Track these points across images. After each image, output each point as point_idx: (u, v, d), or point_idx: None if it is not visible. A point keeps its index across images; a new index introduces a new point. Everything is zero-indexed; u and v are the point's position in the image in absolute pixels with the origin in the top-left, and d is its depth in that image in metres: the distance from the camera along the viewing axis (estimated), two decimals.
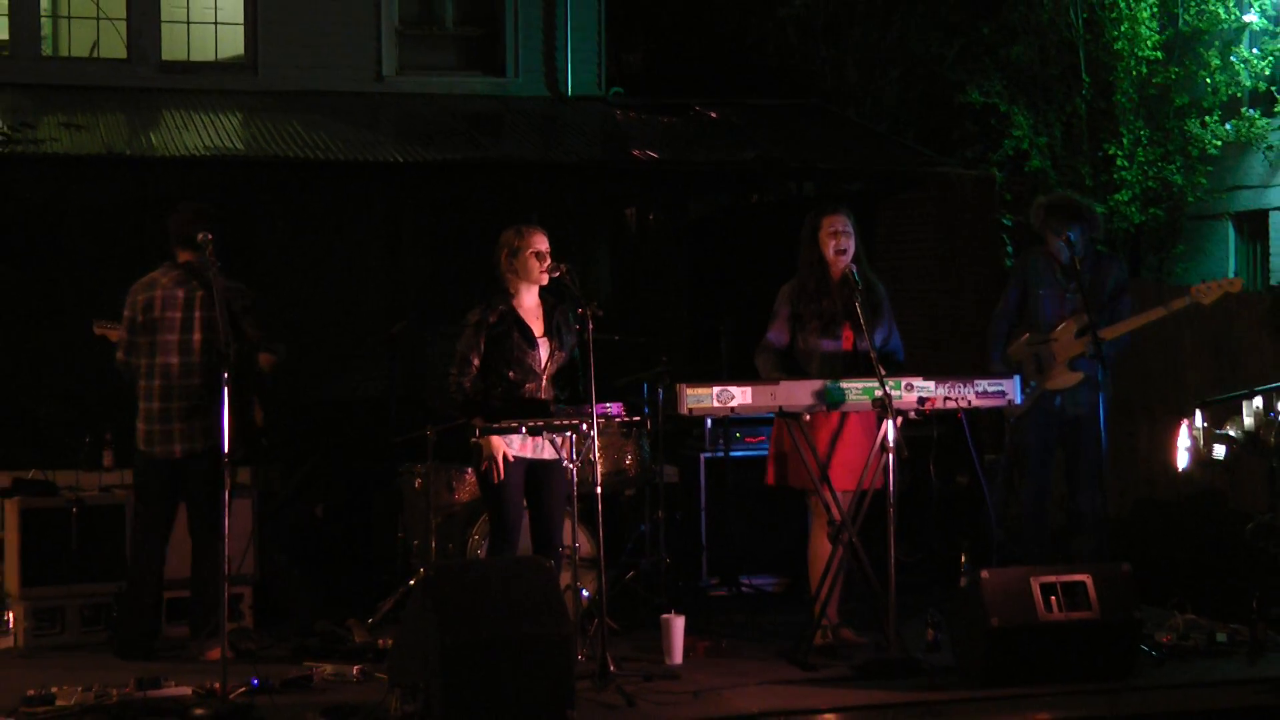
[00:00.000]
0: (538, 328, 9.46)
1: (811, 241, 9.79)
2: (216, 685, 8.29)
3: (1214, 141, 17.85)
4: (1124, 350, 10.46)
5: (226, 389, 8.51)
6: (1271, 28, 18.04)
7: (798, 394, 9.24)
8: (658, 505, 11.16)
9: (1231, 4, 17.90)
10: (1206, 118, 17.89)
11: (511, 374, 9.35)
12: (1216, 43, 18.06)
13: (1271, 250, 18.98)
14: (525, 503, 9.49)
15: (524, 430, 9.18)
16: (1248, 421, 10.35)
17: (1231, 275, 18.22)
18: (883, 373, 9.17)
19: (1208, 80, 17.90)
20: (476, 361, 9.35)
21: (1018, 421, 10.38)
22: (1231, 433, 10.43)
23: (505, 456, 9.25)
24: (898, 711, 8.35)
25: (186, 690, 8.47)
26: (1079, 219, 10.22)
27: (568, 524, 9.52)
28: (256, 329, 9.79)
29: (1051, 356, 10.28)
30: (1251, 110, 18.07)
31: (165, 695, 8.40)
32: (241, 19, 17.48)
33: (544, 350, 9.45)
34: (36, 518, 10.20)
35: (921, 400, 9.30)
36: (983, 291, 14.17)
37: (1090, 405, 9.95)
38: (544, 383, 9.44)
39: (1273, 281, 18.56)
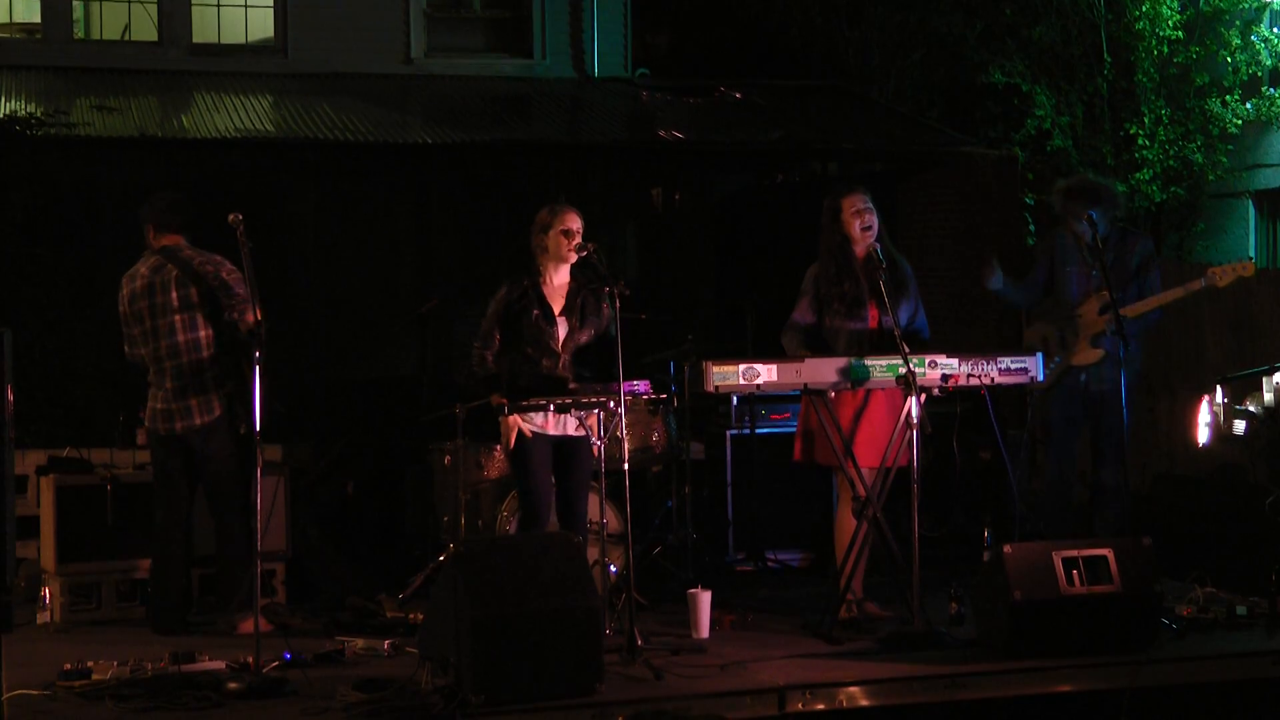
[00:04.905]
0: (558, 305, 9.45)
1: (833, 225, 9.78)
2: (250, 659, 8.35)
3: (1234, 120, 17.86)
4: (1151, 327, 10.51)
5: (258, 366, 8.58)
6: None
7: (823, 371, 9.24)
8: (684, 481, 11.20)
9: None
10: (1227, 97, 17.89)
11: (529, 350, 9.34)
12: (1237, 22, 18.05)
13: None
14: (553, 479, 9.57)
15: (552, 408, 9.22)
16: (1268, 397, 10.45)
17: (1252, 253, 18.32)
18: (907, 350, 9.15)
19: (1228, 60, 17.90)
20: (498, 335, 9.38)
21: (1041, 397, 10.45)
22: (1251, 408, 10.52)
23: (523, 432, 9.28)
24: (921, 683, 8.35)
25: (220, 664, 8.50)
26: (1098, 201, 10.27)
27: (594, 500, 9.60)
28: (231, 300, 9.70)
29: (1075, 333, 10.35)
30: (1272, 89, 18.05)
31: (199, 669, 8.43)
32: (271, 2, 17.57)
33: (562, 328, 9.42)
34: (72, 495, 10.28)
35: (945, 377, 9.31)
36: (1005, 270, 14.18)
37: (1114, 381, 9.92)
38: (564, 360, 9.43)
39: None
